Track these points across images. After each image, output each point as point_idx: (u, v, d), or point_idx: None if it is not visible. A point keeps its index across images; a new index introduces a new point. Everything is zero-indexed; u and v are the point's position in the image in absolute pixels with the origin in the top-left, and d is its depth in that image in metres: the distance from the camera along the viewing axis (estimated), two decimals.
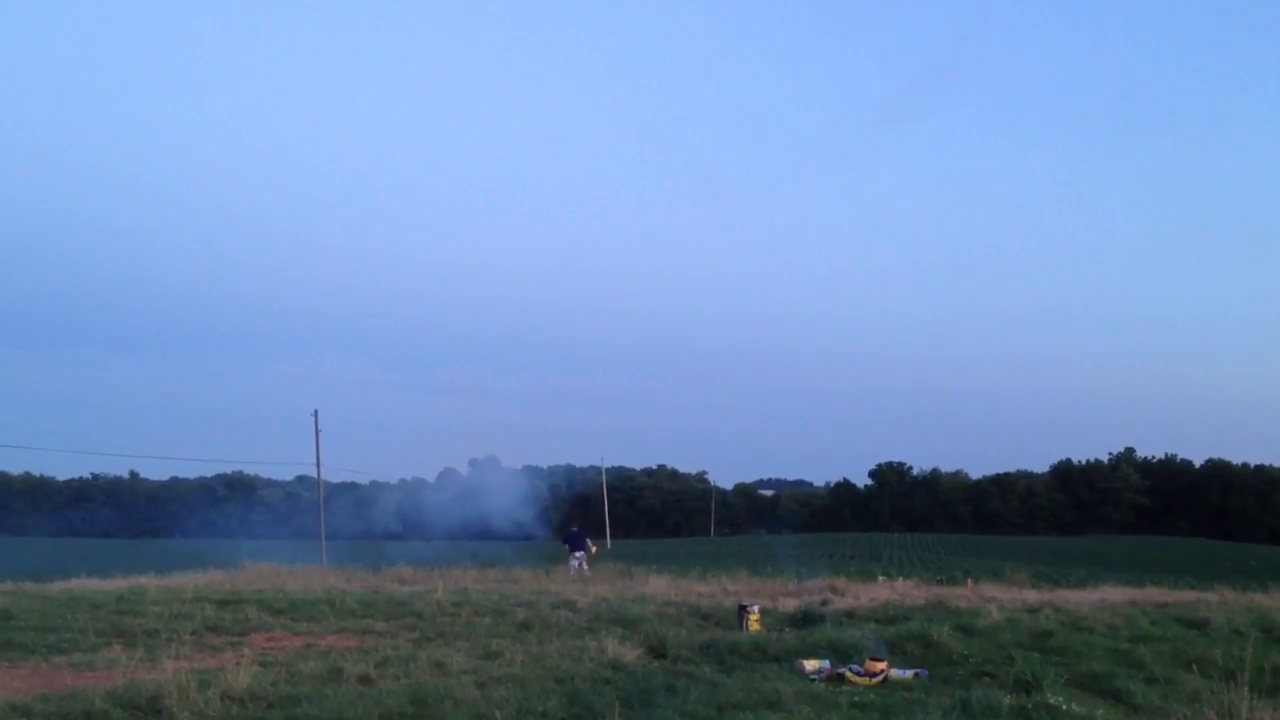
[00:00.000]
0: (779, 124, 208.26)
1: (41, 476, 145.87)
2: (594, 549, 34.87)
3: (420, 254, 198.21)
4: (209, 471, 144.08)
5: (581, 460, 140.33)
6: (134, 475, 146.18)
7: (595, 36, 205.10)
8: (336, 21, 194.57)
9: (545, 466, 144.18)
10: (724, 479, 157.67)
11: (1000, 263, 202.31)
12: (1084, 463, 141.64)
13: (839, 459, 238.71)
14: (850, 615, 16.76)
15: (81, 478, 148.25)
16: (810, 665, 11.22)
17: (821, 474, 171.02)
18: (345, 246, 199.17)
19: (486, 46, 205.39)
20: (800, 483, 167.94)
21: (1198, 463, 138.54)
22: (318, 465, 50.63)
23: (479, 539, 77.31)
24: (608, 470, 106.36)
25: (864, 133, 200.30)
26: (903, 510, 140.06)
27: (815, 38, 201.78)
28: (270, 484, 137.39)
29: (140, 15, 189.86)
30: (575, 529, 35.84)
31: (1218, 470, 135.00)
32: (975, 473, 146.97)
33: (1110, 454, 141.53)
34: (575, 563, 32.45)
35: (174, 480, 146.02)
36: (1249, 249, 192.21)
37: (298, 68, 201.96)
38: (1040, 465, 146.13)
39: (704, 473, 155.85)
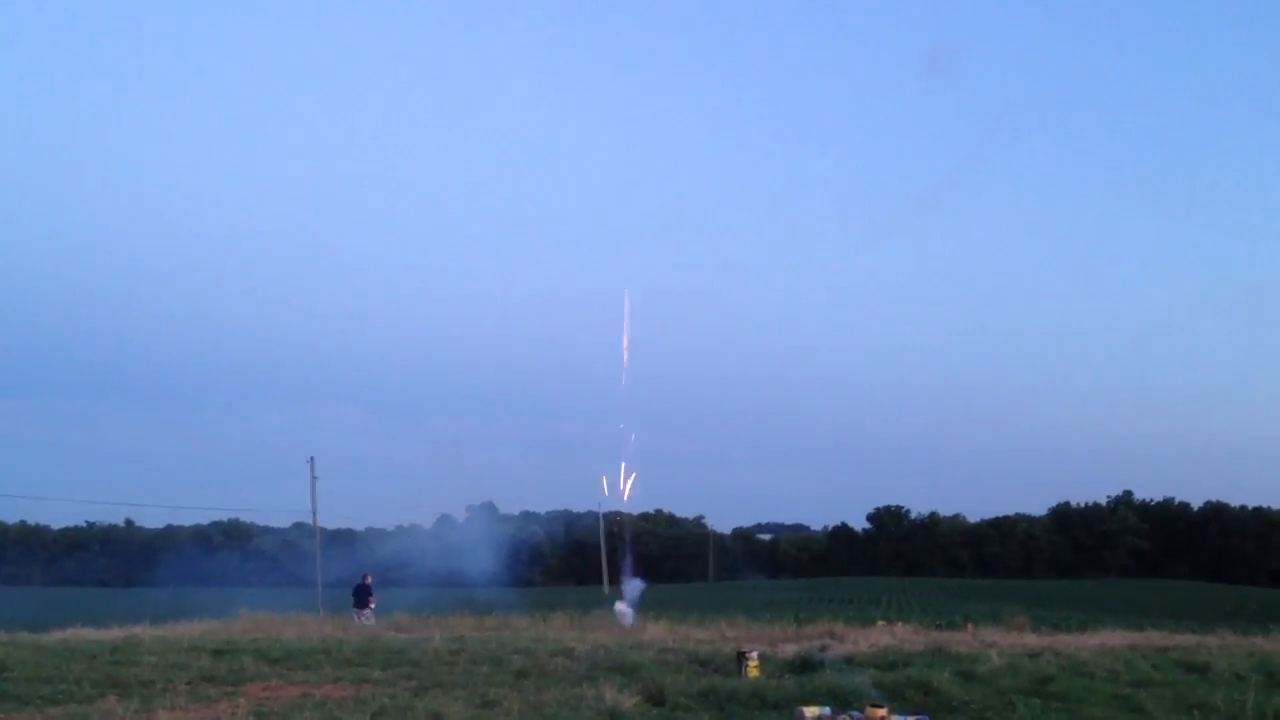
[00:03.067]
0: (785, 190, 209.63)
1: (36, 525, 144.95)
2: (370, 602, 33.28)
3: (416, 301, 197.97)
4: (205, 519, 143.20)
5: (579, 506, 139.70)
6: (129, 524, 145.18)
7: (610, 95, 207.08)
8: (333, 68, 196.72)
9: (543, 512, 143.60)
10: (722, 524, 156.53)
11: (998, 306, 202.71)
12: (1083, 506, 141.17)
13: (837, 503, 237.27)
14: (850, 661, 16.67)
15: (76, 526, 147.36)
16: (810, 712, 11.15)
17: (820, 518, 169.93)
18: (340, 293, 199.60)
19: (491, 96, 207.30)
20: (798, 526, 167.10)
21: (1196, 505, 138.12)
22: (313, 513, 50.22)
23: (471, 587, 76.78)
24: (605, 515, 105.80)
25: (881, 205, 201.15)
26: (901, 554, 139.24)
27: (841, 120, 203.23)
28: (266, 531, 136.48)
29: (126, 57, 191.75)
30: (363, 583, 34.34)
31: (1216, 513, 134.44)
32: (973, 516, 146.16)
33: (1109, 497, 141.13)
34: (361, 617, 31.95)
35: (169, 528, 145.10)
36: (1250, 299, 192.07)
37: (291, 109, 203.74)
38: (1039, 509, 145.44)
39: (701, 517, 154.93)
